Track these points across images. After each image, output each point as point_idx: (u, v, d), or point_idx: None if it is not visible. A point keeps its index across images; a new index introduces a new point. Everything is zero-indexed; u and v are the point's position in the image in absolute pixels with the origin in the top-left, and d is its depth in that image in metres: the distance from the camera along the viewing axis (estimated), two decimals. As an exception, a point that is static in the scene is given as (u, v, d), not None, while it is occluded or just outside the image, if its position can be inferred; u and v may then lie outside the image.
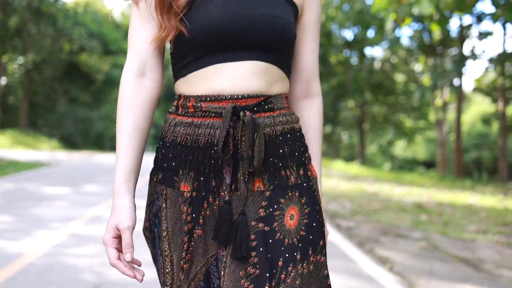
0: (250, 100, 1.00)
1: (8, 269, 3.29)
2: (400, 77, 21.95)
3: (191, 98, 1.02)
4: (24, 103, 25.28)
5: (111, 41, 31.32)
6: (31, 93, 27.04)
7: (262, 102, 1.02)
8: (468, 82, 40.30)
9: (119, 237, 0.99)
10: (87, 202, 6.43)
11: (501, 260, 4.12)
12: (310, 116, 1.17)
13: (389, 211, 6.62)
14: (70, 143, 27.32)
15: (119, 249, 0.99)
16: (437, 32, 14.12)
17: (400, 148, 31.11)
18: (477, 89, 17.52)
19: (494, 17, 7.57)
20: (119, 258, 0.98)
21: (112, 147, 27.66)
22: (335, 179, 11.71)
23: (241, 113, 0.97)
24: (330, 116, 22.61)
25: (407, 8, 6.55)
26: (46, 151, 20.50)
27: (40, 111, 28.31)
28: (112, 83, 30.46)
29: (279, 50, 1.03)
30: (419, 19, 11.36)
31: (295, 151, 1.05)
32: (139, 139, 1.04)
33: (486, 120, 20.50)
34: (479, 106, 26.84)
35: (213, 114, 1.00)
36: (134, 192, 1.03)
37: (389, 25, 7.17)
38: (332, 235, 4.89)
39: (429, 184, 11.74)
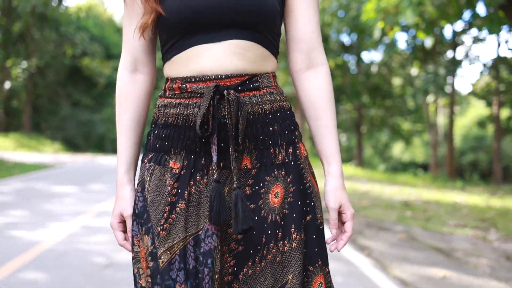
0: (233, 80, 1.00)
1: (29, 253, 3.74)
2: (397, 81, 22.35)
3: (177, 80, 1.03)
4: (27, 106, 25.63)
5: (113, 45, 31.77)
6: (35, 96, 27.45)
7: (247, 81, 1.02)
8: (465, 86, 40.68)
9: (123, 222, 1.11)
10: (93, 199, 6.85)
11: (472, 249, 4.51)
12: (316, 86, 1.09)
13: (377, 208, 6.99)
14: (72, 145, 27.70)
15: (124, 231, 1.11)
16: (429, 38, 14.56)
17: (398, 150, 31.49)
18: (472, 93, 17.92)
19: (479, 27, 7.99)
20: (125, 239, 1.11)
21: (114, 150, 28.06)
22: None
23: (225, 92, 0.97)
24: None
25: (394, 17, 6.98)
26: (49, 154, 20.81)
27: (43, 115, 28.74)
28: (113, 86, 30.49)
29: (257, 27, 1.01)
30: (408, 27, 11.78)
31: (285, 130, 1.05)
32: (136, 133, 1.11)
33: (481, 123, 20.86)
34: (477, 110, 27.20)
35: (198, 95, 1.01)
36: (134, 180, 1.13)
37: (376, 33, 7.59)
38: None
39: (421, 185, 12.11)
